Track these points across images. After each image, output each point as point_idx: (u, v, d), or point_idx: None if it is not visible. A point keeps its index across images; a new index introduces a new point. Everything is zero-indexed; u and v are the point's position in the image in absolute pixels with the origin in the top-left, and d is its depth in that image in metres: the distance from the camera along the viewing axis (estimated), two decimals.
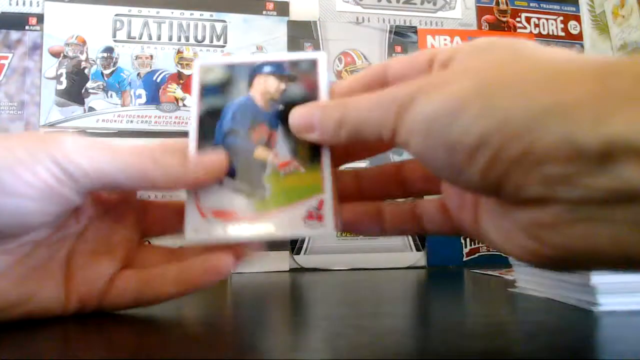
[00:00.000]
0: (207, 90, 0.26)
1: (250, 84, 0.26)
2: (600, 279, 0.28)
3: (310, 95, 0.25)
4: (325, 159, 0.24)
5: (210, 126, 0.25)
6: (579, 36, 0.78)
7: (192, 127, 0.25)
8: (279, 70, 0.26)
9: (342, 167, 0.27)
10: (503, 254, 0.20)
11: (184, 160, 0.24)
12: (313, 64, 0.26)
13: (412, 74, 0.22)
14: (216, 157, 0.24)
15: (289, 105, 0.25)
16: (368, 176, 0.27)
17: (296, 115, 0.24)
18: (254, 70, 0.26)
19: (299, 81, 0.26)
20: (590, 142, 0.14)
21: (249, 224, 0.24)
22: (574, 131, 0.15)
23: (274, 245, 0.61)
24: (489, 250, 0.66)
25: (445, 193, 0.24)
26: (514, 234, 0.18)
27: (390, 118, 0.20)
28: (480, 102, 0.17)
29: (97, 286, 0.26)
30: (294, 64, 0.26)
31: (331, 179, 0.24)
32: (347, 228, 0.26)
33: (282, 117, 0.25)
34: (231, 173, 0.25)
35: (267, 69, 0.26)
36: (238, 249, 0.25)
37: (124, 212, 0.27)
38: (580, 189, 0.15)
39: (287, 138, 0.25)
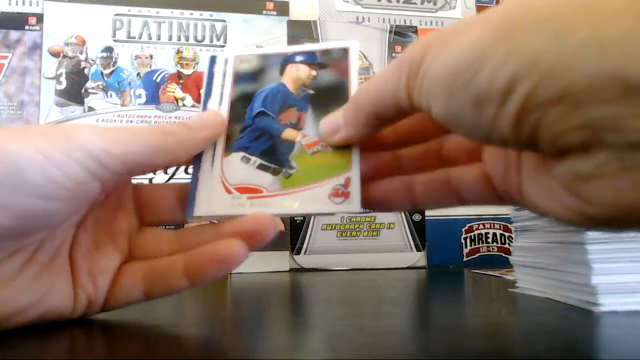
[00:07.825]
0: (240, 78, 0.27)
1: (282, 72, 0.27)
2: (600, 279, 0.28)
3: (341, 80, 0.26)
4: None
5: (241, 110, 0.27)
6: None
7: (224, 111, 0.27)
8: (311, 58, 0.27)
9: None
10: (553, 219, 0.18)
11: (188, 125, 0.25)
12: (345, 51, 0.27)
13: None
14: (213, 112, 0.26)
15: (320, 89, 0.26)
16: (408, 154, 0.26)
17: (324, 123, 0.24)
18: (286, 60, 0.28)
19: (330, 68, 0.27)
20: None
21: (274, 200, 0.24)
22: (622, 65, 0.13)
23: (274, 245, 0.61)
24: (489, 251, 0.66)
25: (487, 162, 0.22)
26: (556, 193, 0.17)
27: (402, 82, 0.19)
28: (503, 46, 0.15)
29: (103, 281, 0.24)
30: (326, 52, 0.27)
31: (358, 157, 0.24)
32: (375, 206, 0.25)
33: (311, 100, 0.26)
34: (258, 151, 0.25)
35: (298, 57, 0.27)
36: (249, 234, 0.23)
37: (122, 197, 0.26)
38: (630, 132, 0.13)
39: (316, 119, 0.25)
